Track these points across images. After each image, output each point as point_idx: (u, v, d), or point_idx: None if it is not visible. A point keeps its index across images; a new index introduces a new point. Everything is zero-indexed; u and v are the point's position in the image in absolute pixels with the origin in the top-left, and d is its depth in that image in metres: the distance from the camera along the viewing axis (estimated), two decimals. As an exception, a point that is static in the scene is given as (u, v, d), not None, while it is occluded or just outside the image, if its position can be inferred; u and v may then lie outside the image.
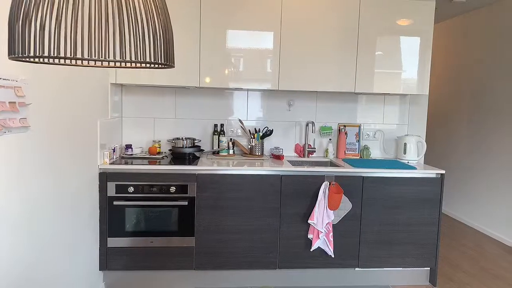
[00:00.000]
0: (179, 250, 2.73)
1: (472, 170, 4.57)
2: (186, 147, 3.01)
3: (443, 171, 2.89)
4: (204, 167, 2.69)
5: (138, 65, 0.98)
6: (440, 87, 5.32)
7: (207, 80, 2.91)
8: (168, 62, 0.84)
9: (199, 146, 3.12)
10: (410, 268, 2.94)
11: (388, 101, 3.45)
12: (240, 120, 3.25)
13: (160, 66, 0.87)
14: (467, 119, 4.71)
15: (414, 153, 3.24)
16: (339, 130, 3.38)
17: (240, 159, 3.08)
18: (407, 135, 3.30)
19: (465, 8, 4.59)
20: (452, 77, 5.04)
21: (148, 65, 0.90)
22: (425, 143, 3.29)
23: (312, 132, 3.33)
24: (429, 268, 2.95)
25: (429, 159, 5.47)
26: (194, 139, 3.11)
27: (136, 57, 0.87)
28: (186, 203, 2.68)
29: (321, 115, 3.41)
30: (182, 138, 3.05)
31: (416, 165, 3.08)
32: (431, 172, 2.89)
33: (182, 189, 2.68)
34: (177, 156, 3.02)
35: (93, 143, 2.52)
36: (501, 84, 4.15)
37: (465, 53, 4.79)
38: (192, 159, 2.95)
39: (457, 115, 4.91)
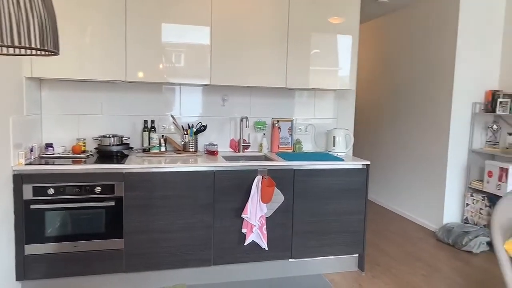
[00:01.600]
0: (107, 253, 2.60)
1: (397, 161, 4.89)
2: (113, 145, 2.86)
3: (368, 162, 3.05)
4: (132, 165, 2.58)
5: (23, 52, 0.90)
6: (366, 84, 5.63)
7: (140, 74, 2.79)
8: (50, 48, 0.78)
9: (128, 144, 2.99)
10: (340, 256, 3.07)
11: (318, 96, 3.56)
12: (172, 116, 3.17)
13: (44, 53, 0.81)
14: (390, 113, 5.03)
15: (343, 145, 3.39)
16: (273, 124, 3.43)
17: (172, 156, 3.00)
18: (336, 128, 3.44)
19: (388, 8, 4.89)
20: (378, 74, 5.35)
21: (30, 51, 0.82)
22: (352, 136, 3.45)
23: (246, 127, 3.34)
24: (357, 255, 3.11)
25: (358, 151, 5.77)
26: (122, 137, 2.98)
27: (19, 41, 0.80)
28: (113, 203, 2.55)
29: (255, 110, 3.43)
30: (109, 136, 2.90)
31: (344, 157, 3.22)
32: (357, 163, 3.04)
33: (108, 189, 2.54)
34: (104, 154, 2.86)
35: (4, 143, 2.30)
36: (417, 82, 4.49)
37: (389, 51, 5.10)
38: (121, 158, 2.82)
39: (381, 109, 5.22)
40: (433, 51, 4.29)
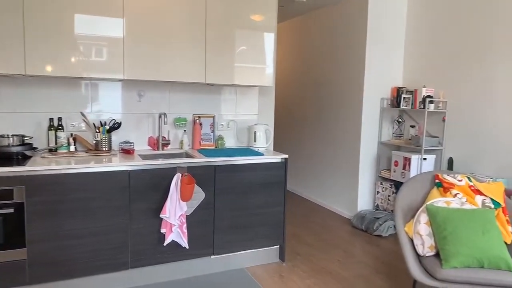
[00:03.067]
0: (8, 265, 2.34)
1: (316, 154, 5.14)
2: (12, 146, 2.58)
3: (286, 156, 3.15)
4: (34, 167, 2.35)
5: None
6: (287, 80, 5.82)
7: (48, 68, 2.55)
8: None
9: (31, 144, 2.72)
10: (262, 249, 3.14)
11: (240, 92, 3.58)
12: (82, 113, 2.95)
13: None
14: (309, 108, 5.26)
15: (263, 140, 3.45)
16: (194, 121, 3.37)
17: (82, 156, 2.80)
18: (257, 124, 3.49)
19: (307, 8, 5.09)
20: (298, 71, 5.56)
21: None
22: (272, 131, 3.54)
23: (165, 123, 3.24)
24: (278, 246, 3.20)
25: (280, 146, 5.96)
26: (23, 136, 2.70)
27: None
28: (12, 210, 2.30)
29: (175, 106, 3.34)
30: (7, 136, 2.61)
31: (265, 152, 3.29)
32: (277, 157, 3.12)
33: (6, 194, 2.29)
34: (2, 156, 2.57)
35: None
36: (333, 79, 4.75)
37: (308, 49, 5.33)
38: (22, 160, 2.55)
39: (302, 105, 5.45)
40: (346, 49, 4.57)
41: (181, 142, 3.31)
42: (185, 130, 3.37)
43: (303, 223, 4.24)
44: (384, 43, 4.33)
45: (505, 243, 2.47)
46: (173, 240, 2.74)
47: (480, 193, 2.65)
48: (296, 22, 5.65)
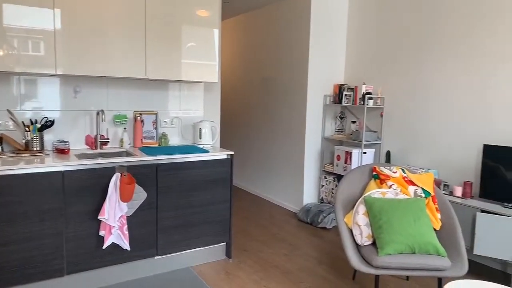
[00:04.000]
0: None
1: (265, 150, 5.20)
2: None
3: (232, 152, 3.14)
4: (-50, 170, 2.13)
5: None
6: (235, 76, 5.82)
7: None
8: None
9: None
10: (208, 247, 3.11)
11: (185, 88, 3.51)
12: (9, 111, 2.72)
13: None
14: (258, 105, 5.30)
15: (209, 137, 3.42)
16: (135, 118, 3.25)
17: (10, 156, 2.58)
18: (202, 121, 3.45)
19: (253, 5, 5.10)
20: (246, 67, 5.58)
21: None
22: (218, 127, 3.51)
23: (103, 121, 3.09)
24: (225, 243, 3.19)
25: (229, 142, 5.95)
26: None
27: None
28: None
29: (114, 102, 3.20)
30: None
31: (211, 149, 3.25)
32: (222, 154, 3.10)
33: None
34: None
35: None
36: (279, 76, 4.83)
37: (255, 45, 5.35)
38: None
39: (250, 101, 5.47)
40: (291, 47, 4.65)
41: (121, 141, 3.18)
42: (125, 128, 3.23)
43: (251, 219, 4.27)
44: (327, 41, 4.47)
45: (434, 229, 2.66)
46: (113, 243, 2.62)
47: (413, 184, 2.83)
48: (242, 19, 5.65)
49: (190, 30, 3.11)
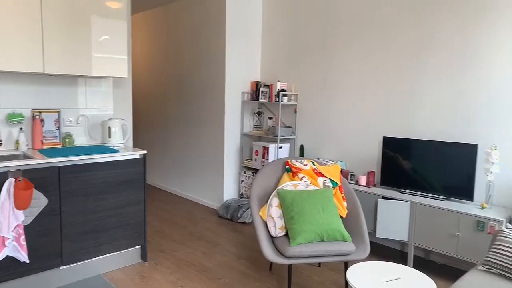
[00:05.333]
0: None
1: (184, 148, 5.10)
2: None
3: (144, 152, 3.02)
4: None
5: None
6: (151, 73, 5.62)
7: None
8: None
9: None
10: (121, 251, 2.95)
11: (91, 84, 3.27)
12: None
13: None
14: (176, 102, 5.18)
15: (120, 136, 3.24)
16: (33, 117, 2.95)
17: None
18: (112, 119, 3.25)
19: (166, -1, 4.95)
20: (162, 63, 5.40)
21: None
22: (130, 125, 3.35)
23: (-6, 121, 2.75)
24: (140, 246, 3.06)
25: (145, 141, 5.74)
26: None
27: None
28: None
29: (7, 100, 2.86)
30: None
31: (122, 148, 3.09)
32: (134, 154, 2.96)
33: None
34: None
35: None
36: (197, 72, 4.77)
37: (172, 41, 5.21)
38: None
39: (169, 98, 5.32)
40: (207, 43, 4.61)
41: (17, 142, 2.86)
42: (21, 128, 2.92)
43: (169, 219, 4.16)
44: (243, 38, 4.52)
45: (341, 217, 2.85)
46: (8, 256, 2.35)
47: (322, 175, 2.99)
48: (156, 13, 5.46)
49: (96, 22, 2.90)
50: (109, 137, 3.20)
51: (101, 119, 3.34)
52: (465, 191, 2.91)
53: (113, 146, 3.18)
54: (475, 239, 2.66)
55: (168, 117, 5.37)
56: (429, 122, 3.26)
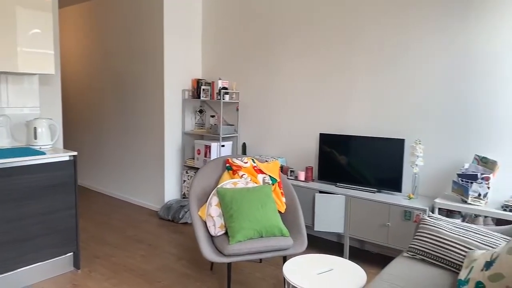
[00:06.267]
0: None
1: (121, 148, 4.89)
2: None
3: (74, 153, 2.84)
4: None
5: None
6: (85, 70, 5.32)
7: None
8: None
9: None
10: (51, 260, 2.76)
11: (13, 81, 3.01)
12: None
13: None
14: (112, 100, 4.95)
15: (47, 137, 3.02)
16: None
17: None
18: (38, 119, 3.02)
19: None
20: (97, 60, 5.13)
21: None
22: (59, 126, 3.14)
23: None
24: (72, 253, 2.89)
25: (78, 142, 5.43)
26: None
27: None
28: None
29: None
30: None
31: (51, 150, 2.88)
32: (63, 155, 2.78)
33: None
34: None
35: None
36: (135, 69, 4.59)
37: (107, 36, 4.96)
38: None
39: (104, 96, 5.07)
40: (145, 40, 4.45)
41: None
42: None
43: (106, 223, 3.97)
44: (183, 35, 4.43)
45: (280, 212, 2.91)
46: None
47: (261, 172, 3.03)
48: (90, 6, 5.17)
49: (20, 13, 2.67)
50: (35, 139, 2.97)
51: (25, 119, 3.09)
52: (394, 183, 3.10)
53: (40, 148, 2.96)
54: (403, 228, 2.85)
55: (104, 116, 5.12)
56: (361, 118, 3.43)
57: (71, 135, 5.64)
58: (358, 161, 3.28)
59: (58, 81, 3.30)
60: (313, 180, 3.59)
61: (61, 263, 2.84)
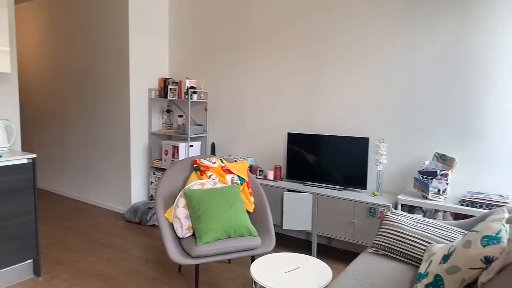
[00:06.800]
0: None
1: (85, 150, 4.74)
2: None
3: (34, 155, 2.72)
4: None
5: None
6: (44, 68, 5.10)
7: None
8: None
9: None
10: (8, 268, 2.63)
11: (-36, 80, 2.85)
12: None
13: None
14: (74, 99, 4.78)
15: (4, 139, 2.87)
16: None
17: None
18: (-7, 119, 2.87)
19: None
20: (59, 58, 4.94)
21: None
22: (16, 127, 2.99)
23: None
24: (31, 260, 2.76)
25: (40, 144, 5.21)
26: None
27: None
28: None
29: None
30: None
31: (7, 153, 2.74)
32: (21, 158, 2.65)
33: None
34: None
35: None
36: (98, 68, 4.45)
37: (69, 34, 4.78)
38: None
39: (64, 96, 4.89)
40: (108, 38, 4.33)
41: None
42: None
43: (70, 227, 3.83)
44: (149, 33, 4.33)
45: (249, 212, 2.91)
46: None
47: (230, 172, 3.02)
48: (52, 1, 4.96)
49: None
50: (-10, 141, 2.81)
51: (-21, 120, 2.93)
52: (360, 181, 3.18)
53: (-4, 150, 2.81)
54: (368, 224, 2.93)
55: (67, 116, 4.93)
56: (328, 118, 3.49)
57: (31, 136, 5.39)
58: (325, 159, 3.34)
59: (15, 80, 3.14)
60: (281, 179, 3.62)
61: (20, 271, 2.71)
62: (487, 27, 2.76)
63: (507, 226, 1.67)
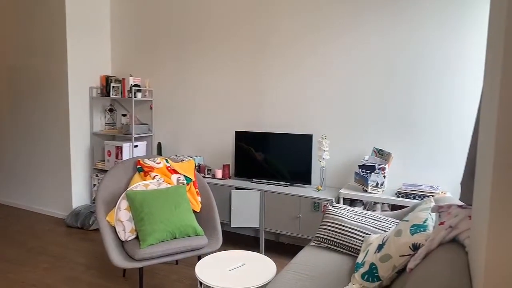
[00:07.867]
0: None
1: (19, 152, 4.42)
2: None
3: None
4: None
5: None
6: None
7: None
8: None
9: None
10: None
11: None
12: None
13: None
14: (6, 99, 4.44)
15: None
16: None
17: None
18: None
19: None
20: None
21: None
22: None
23: None
24: (-45, 274, 2.53)
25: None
26: None
27: None
28: None
29: None
30: None
31: None
32: None
33: None
34: None
35: None
36: (33, 66, 4.17)
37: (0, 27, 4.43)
38: None
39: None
40: (43, 34, 4.06)
41: None
42: None
43: (3, 236, 3.55)
44: (88, 30, 4.12)
45: (196, 212, 2.88)
46: None
47: (176, 172, 2.96)
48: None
49: None
50: None
51: None
52: (305, 177, 3.27)
53: None
54: (313, 219, 3.02)
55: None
56: (274, 116, 3.54)
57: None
58: (272, 157, 3.39)
59: None
60: (230, 178, 3.62)
61: None
62: (417, 26, 2.95)
63: (433, 214, 1.80)
